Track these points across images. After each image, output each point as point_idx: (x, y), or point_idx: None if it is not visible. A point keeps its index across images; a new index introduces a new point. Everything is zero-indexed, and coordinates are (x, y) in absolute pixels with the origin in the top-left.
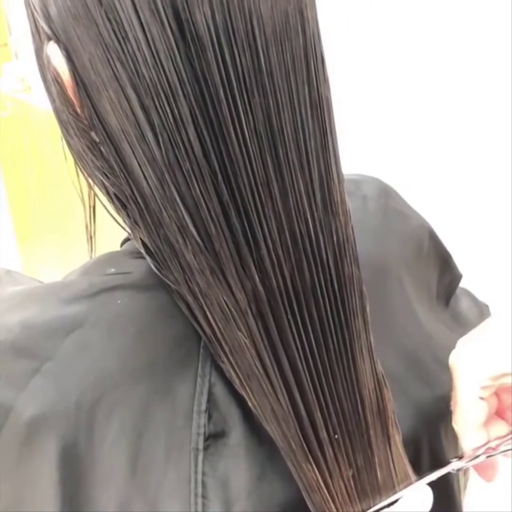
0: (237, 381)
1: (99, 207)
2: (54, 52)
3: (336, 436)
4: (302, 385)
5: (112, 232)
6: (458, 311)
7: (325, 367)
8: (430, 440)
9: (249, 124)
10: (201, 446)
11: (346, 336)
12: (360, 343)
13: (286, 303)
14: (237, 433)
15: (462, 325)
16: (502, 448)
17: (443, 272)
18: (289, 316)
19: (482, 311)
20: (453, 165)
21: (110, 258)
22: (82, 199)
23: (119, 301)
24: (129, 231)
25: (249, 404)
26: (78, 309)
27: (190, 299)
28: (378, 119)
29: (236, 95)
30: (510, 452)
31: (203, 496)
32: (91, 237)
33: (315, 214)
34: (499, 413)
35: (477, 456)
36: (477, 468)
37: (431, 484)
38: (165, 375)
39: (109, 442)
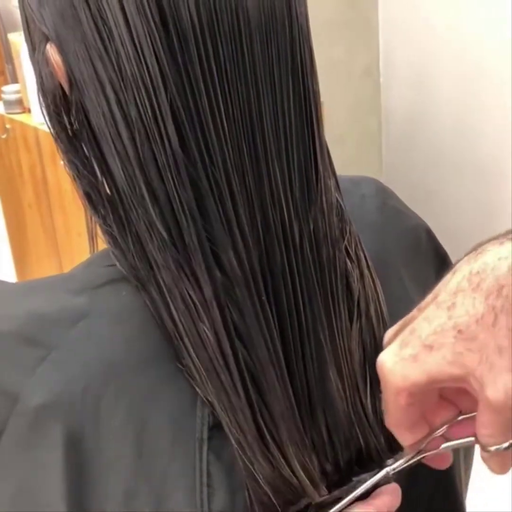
0: (197, 377)
1: None
2: (50, 52)
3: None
4: (268, 376)
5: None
6: None
7: (298, 356)
8: None
9: (227, 111)
10: (205, 436)
11: (325, 324)
12: (342, 331)
13: (262, 287)
14: None
15: None
16: (446, 444)
17: (441, 271)
18: (263, 298)
19: None
20: None
21: None
22: (83, 201)
23: (124, 293)
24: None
25: (209, 399)
26: (84, 300)
27: (156, 296)
28: None
29: (217, 84)
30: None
31: (208, 485)
32: (93, 239)
33: (291, 202)
34: (442, 396)
35: (414, 457)
36: (426, 459)
37: (434, 477)
38: (170, 364)
39: (114, 428)
